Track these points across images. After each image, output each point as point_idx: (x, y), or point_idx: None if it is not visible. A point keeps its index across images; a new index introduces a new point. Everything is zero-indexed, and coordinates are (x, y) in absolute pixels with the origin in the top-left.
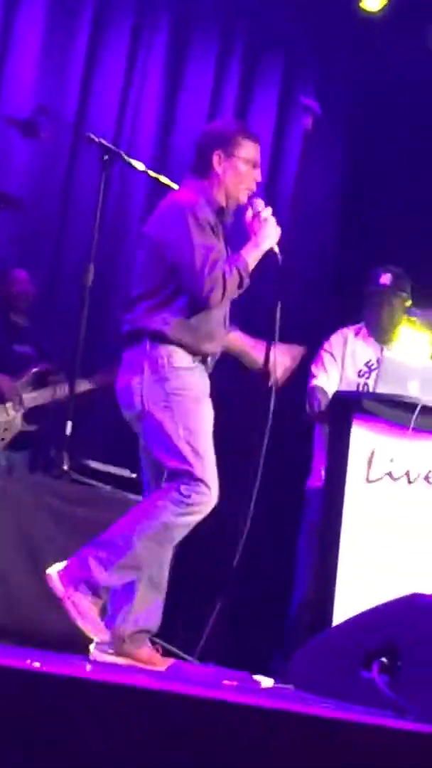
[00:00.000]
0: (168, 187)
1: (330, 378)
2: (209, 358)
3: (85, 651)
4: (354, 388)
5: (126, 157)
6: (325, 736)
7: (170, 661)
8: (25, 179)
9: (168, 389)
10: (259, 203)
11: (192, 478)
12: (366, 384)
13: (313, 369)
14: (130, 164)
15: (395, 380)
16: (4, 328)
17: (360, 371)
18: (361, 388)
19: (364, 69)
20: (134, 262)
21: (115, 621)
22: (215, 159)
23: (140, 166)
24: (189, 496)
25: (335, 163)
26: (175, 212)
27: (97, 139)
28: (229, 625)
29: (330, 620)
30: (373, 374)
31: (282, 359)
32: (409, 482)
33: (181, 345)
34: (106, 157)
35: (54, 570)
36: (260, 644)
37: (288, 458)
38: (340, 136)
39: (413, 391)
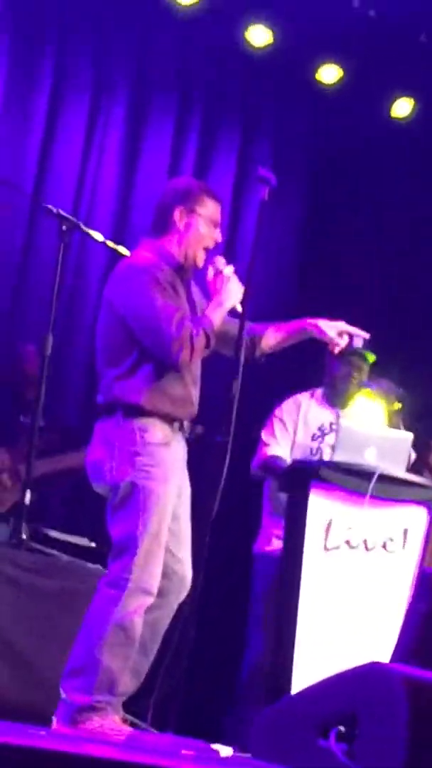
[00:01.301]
0: (126, 257)
1: (281, 446)
2: (185, 423)
3: (45, 722)
4: (307, 452)
5: (84, 228)
6: None
7: (128, 730)
8: None
9: (138, 465)
10: (221, 261)
11: (133, 563)
12: (320, 448)
13: (264, 437)
14: (88, 234)
15: (353, 448)
16: (13, 400)
17: (313, 435)
18: (314, 452)
19: (321, 135)
20: (96, 328)
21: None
22: (176, 214)
23: (99, 236)
24: (126, 585)
25: (293, 229)
26: (134, 275)
27: (55, 210)
28: (177, 687)
29: (288, 688)
30: (327, 437)
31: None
32: (367, 550)
33: (157, 416)
34: (64, 228)
35: (53, 719)
36: (208, 707)
37: (235, 520)
38: (297, 202)
39: (370, 459)
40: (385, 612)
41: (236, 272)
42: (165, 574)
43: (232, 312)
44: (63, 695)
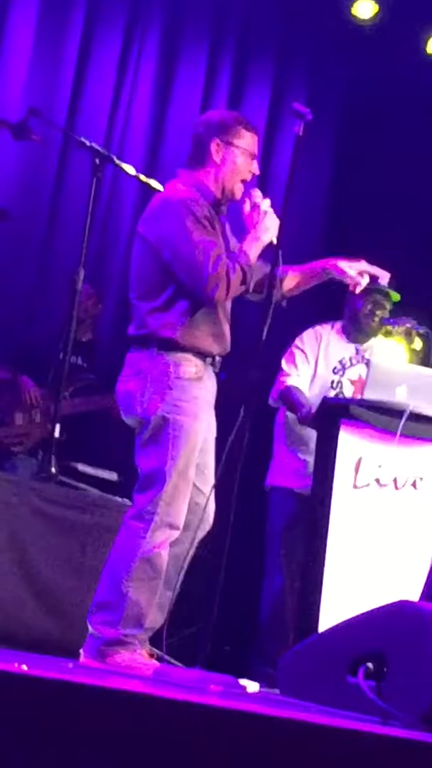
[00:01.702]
0: (158, 191)
1: (301, 376)
2: (217, 358)
3: (74, 655)
4: (328, 384)
5: (117, 161)
6: (311, 741)
7: (155, 664)
8: (15, 181)
9: (169, 399)
10: (257, 194)
11: (159, 498)
12: (340, 381)
13: (284, 366)
14: (121, 168)
15: (383, 386)
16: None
17: (334, 368)
18: (335, 385)
19: (356, 74)
20: (129, 261)
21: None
22: (213, 147)
23: (131, 170)
24: (151, 519)
25: (326, 167)
26: (170, 209)
27: (88, 143)
28: (214, 628)
29: (316, 626)
30: (348, 371)
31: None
32: (397, 488)
33: (191, 351)
34: (97, 161)
35: (81, 653)
36: (229, 643)
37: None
38: (330, 140)
39: (401, 396)
40: (414, 550)
41: (272, 206)
42: (189, 508)
43: (265, 252)
44: (90, 629)
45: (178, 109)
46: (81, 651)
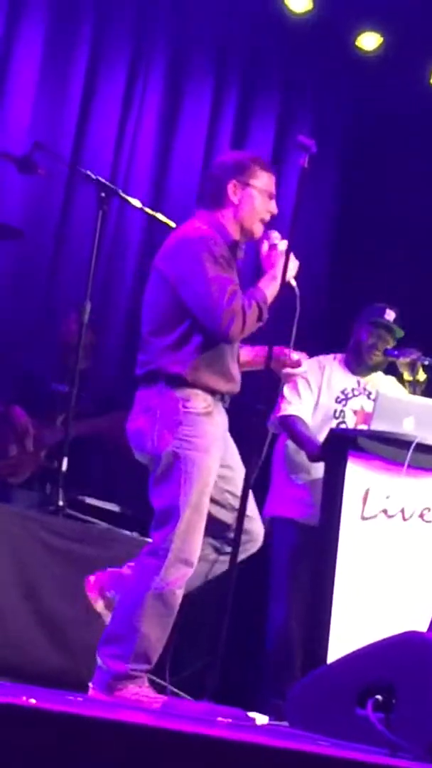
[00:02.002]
0: (165, 224)
1: (303, 403)
2: (226, 396)
3: (82, 688)
4: (330, 414)
5: (123, 194)
6: None
7: (163, 698)
8: (21, 215)
9: (180, 435)
10: (276, 236)
11: (173, 533)
12: (343, 411)
13: (287, 393)
14: (126, 201)
15: (390, 417)
16: (49, 368)
17: (337, 398)
18: (337, 415)
19: (360, 106)
20: (143, 297)
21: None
22: (230, 188)
23: (137, 203)
24: (166, 555)
25: (330, 199)
26: (188, 247)
27: (94, 176)
28: (222, 661)
29: (325, 658)
30: (350, 401)
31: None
32: (404, 519)
33: (199, 387)
34: (102, 194)
35: (90, 686)
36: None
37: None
38: (335, 172)
39: (408, 427)
40: (422, 581)
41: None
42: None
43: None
44: (99, 662)
45: (183, 142)
46: (90, 684)
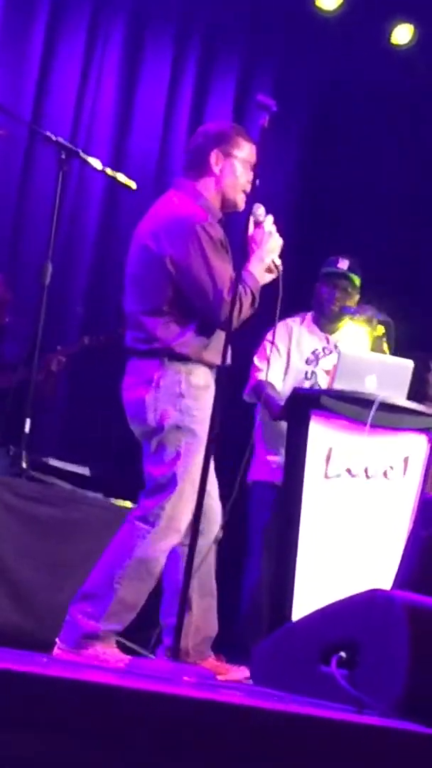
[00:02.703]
0: (125, 185)
1: (273, 369)
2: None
3: (44, 648)
4: (302, 376)
5: (83, 156)
6: (285, 731)
7: (128, 658)
8: None
9: (182, 407)
10: (261, 212)
11: (167, 501)
12: (314, 372)
13: (257, 361)
14: (87, 162)
15: (353, 376)
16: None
17: (307, 359)
18: (309, 376)
19: (321, 66)
20: (126, 269)
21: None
22: (213, 158)
23: (98, 164)
24: (155, 523)
25: (293, 159)
26: (185, 228)
27: (54, 138)
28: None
29: (289, 616)
30: (321, 361)
31: None
32: (368, 478)
33: (200, 362)
34: (63, 156)
35: (57, 642)
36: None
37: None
38: (297, 131)
39: (371, 386)
40: (385, 540)
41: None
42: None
43: None
44: (69, 618)
45: (144, 103)
46: (57, 640)
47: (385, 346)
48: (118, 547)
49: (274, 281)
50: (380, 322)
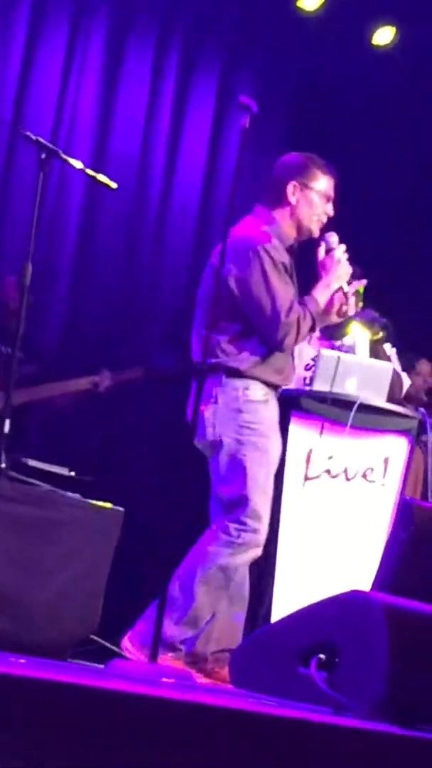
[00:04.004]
0: (106, 185)
1: None
2: (279, 388)
3: (20, 650)
4: (300, 382)
5: (63, 156)
6: (263, 732)
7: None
8: None
9: (241, 422)
10: (334, 240)
11: (245, 516)
12: (312, 377)
13: None
14: (68, 162)
15: (333, 378)
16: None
17: (306, 365)
18: (307, 382)
19: (304, 66)
20: (200, 288)
21: (196, 642)
22: (290, 189)
23: (78, 164)
24: (239, 536)
25: (274, 159)
26: (249, 251)
27: (34, 137)
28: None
29: (268, 617)
30: None
31: None
32: (348, 479)
33: (258, 380)
34: (43, 156)
35: (126, 639)
36: None
37: None
38: (281, 132)
39: (351, 388)
40: (365, 541)
41: (215, 205)
42: None
43: None
44: (146, 618)
45: (125, 102)
46: (126, 638)
47: (388, 349)
48: (199, 555)
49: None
50: (380, 327)
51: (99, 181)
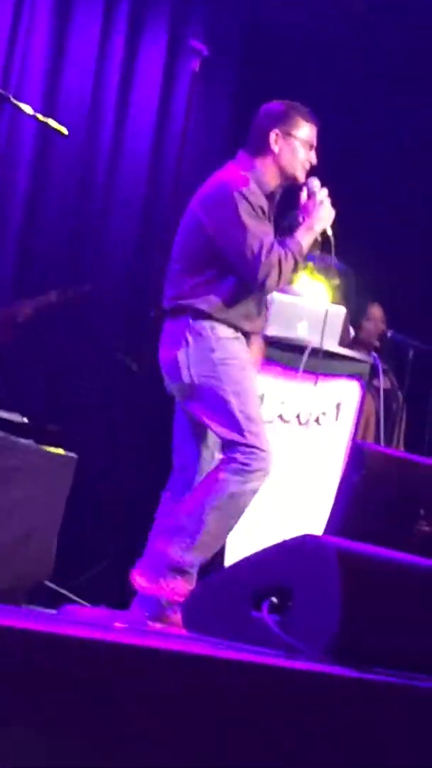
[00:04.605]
0: (57, 131)
1: None
2: (250, 334)
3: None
4: None
5: (14, 101)
6: (216, 676)
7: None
8: None
9: (215, 359)
10: (316, 184)
11: (248, 445)
12: None
13: None
14: (18, 108)
15: (285, 322)
16: None
17: None
18: None
19: (254, 10)
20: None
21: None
22: (272, 137)
23: (29, 109)
24: (248, 464)
25: (225, 104)
26: (226, 194)
27: None
28: (118, 567)
29: (221, 562)
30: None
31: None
32: (300, 424)
33: (222, 321)
34: None
35: (134, 571)
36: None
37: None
38: (231, 76)
39: (302, 332)
40: (317, 485)
41: (167, 149)
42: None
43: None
44: (155, 548)
45: (76, 47)
46: (136, 567)
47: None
48: (211, 482)
49: (327, 250)
50: (338, 273)
51: (50, 127)
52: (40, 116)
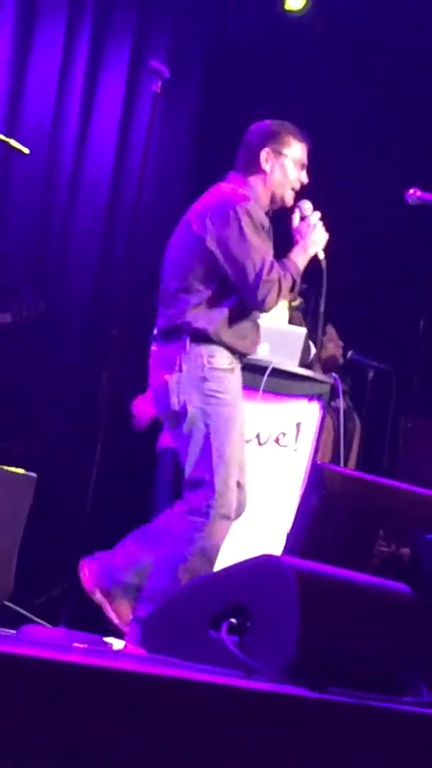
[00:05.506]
0: (18, 150)
1: None
2: (243, 356)
3: None
4: None
5: None
6: (175, 696)
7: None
8: None
9: (206, 391)
10: (308, 207)
11: (212, 492)
12: None
13: None
14: None
15: None
16: None
17: None
18: None
19: (218, 30)
20: (165, 254)
21: None
22: (263, 156)
23: None
24: (208, 515)
25: (188, 126)
26: (228, 210)
27: None
28: (78, 587)
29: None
30: None
31: None
32: (260, 444)
33: (222, 345)
34: None
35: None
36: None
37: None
38: (192, 98)
39: (263, 353)
40: (277, 506)
41: (128, 170)
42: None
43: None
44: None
45: (37, 68)
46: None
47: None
48: (176, 543)
49: (319, 275)
50: (299, 293)
51: (11, 146)
52: (1, 135)
